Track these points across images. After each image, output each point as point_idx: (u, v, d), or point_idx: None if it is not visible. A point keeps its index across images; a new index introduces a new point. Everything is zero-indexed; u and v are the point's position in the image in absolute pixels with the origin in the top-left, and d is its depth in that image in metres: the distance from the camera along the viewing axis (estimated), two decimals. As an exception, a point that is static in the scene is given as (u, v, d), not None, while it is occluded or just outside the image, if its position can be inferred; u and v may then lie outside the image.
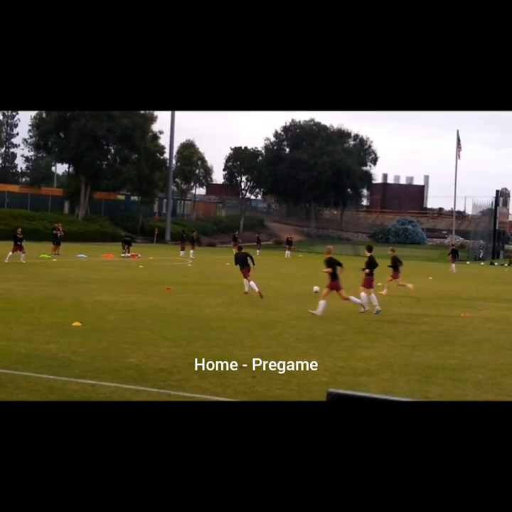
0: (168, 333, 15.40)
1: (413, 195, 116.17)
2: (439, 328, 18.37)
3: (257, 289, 23.49)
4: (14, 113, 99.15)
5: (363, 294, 21.34)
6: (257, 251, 57.93)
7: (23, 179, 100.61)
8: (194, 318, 17.97)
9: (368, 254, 22.58)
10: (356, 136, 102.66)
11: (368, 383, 11.27)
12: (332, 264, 19.87)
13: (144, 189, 74.88)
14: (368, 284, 21.76)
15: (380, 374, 12.15)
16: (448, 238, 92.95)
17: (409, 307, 23.21)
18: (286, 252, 57.71)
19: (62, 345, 13.30)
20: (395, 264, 26.78)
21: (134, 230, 68.75)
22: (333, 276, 19.75)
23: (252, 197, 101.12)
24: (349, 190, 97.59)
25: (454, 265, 48.86)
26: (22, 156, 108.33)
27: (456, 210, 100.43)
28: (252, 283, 24.13)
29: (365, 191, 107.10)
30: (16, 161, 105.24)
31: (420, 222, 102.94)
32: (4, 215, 61.47)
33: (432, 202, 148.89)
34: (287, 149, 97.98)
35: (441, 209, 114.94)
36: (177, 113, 77.57)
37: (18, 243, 34.47)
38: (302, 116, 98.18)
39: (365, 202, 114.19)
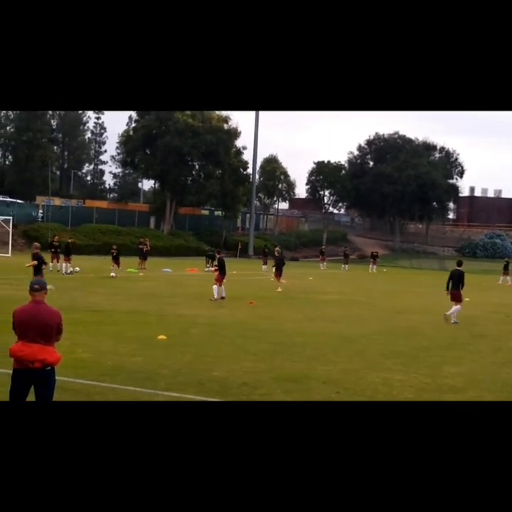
0: (251, 347, 15.43)
1: (502, 208, 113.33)
2: (528, 344, 17.84)
3: (216, 295, 24.78)
4: (102, 131, 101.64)
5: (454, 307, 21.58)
6: (344, 266, 57.51)
7: (111, 195, 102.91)
8: (277, 332, 17.96)
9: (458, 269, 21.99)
10: (442, 148, 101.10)
11: (454, 401, 11.01)
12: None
13: (227, 204, 75.48)
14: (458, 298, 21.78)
15: (466, 391, 11.87)
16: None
17: (498, 323, 22.63)
18: (371, 266, 57.13)
19: (147, 358, 13.49)
20: None
21: (217, 244, 69.26)
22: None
23: (335, 211, 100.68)
24: (435, 203, 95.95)
25: None
26: (110, 172, 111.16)
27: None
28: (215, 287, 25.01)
29: (451, 204, 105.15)
30: (104, 178, 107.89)
31: (509, 235, 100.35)
32: (93, 230, 62.96)
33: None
34: (371, 163, 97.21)
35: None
36: (260, 129, 77.98)
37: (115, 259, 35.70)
38: (386, 129, 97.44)
39: (451, 215, 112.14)
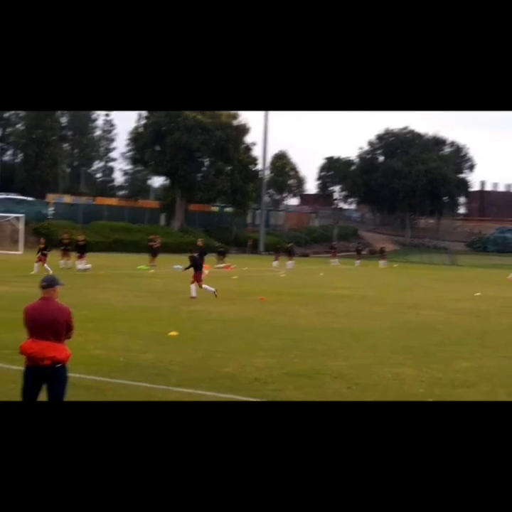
0: (262, 342, 15.43)
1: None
2: (541, 339, 17.76)
3: (194, 293, 23.95)
4: (111, 128, 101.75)
5: None
6: (357, 261, 57.50)
7: (121, 192, 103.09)
8: (288, 328, 17.94)
9: None
10: (452, 143, 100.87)
11: (466, 395, 10.98)
12: None
13: (237, 200, 75.49)
14: None
15: (479, 386, 11.82)
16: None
17: (510, 318, 22.53)
18: (380, 262, 57.04)
19: (159, 354, 13.51)
20: None
21: (227, 241, 69.37)
22: None
23: (346, 206, 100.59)
24: (445, 198, 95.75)
25: None
26: (120, 169, 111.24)
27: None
28: (193, 286, 24.25)
29: (461, 199, 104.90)
30: (114, 175, 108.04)
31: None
32: (103, 228, 63.11)
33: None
34: (381, 158, 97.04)
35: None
36: (270, 125, 77.95)
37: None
38: (396, 124, 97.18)
39: (462, 210, 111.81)
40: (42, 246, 35.13)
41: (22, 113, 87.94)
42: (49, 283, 7.84)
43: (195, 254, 26.44)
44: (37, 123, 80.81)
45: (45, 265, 33.14)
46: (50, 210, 64.41)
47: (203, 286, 24.23)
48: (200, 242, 33.95)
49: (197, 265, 24.78)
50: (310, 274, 41.94)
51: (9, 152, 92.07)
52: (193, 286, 24.22)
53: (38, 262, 33.24)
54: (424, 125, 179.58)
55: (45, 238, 38.36)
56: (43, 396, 7.73)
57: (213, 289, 24.16)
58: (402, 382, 11.91)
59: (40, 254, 34.21)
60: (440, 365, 13.60)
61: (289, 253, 50.50)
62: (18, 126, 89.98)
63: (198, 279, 24.44)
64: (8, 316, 15.93)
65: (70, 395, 7.88)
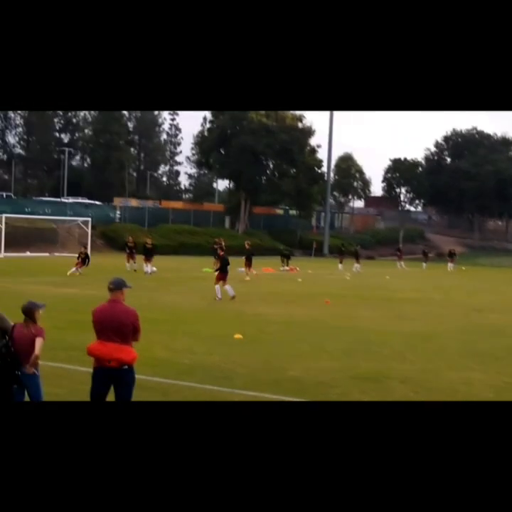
0: (327, 345, 15.34)
1: None
2: None
3: (232, 293, 23.88)
4: (177, 132, 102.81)
5: None
6: (424, 264, 56.85)
7: (186, 196, 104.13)
8: (353, 331, 17.81)
9: None
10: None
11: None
12: None
13: (302, 203, 75.33)
14: None
15: (551, 392, 11.52)
16: None
17: None
18: (449, 264, 56.15)
19: (224, 356, 13.55)
20: None
21: (292, 243, 69.26)
22: None
23: (412, 208, 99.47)
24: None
25: None
26: (185, 173, 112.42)
27: None
28: (227, 287, 24.13)
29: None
30: (179, 178, 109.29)
31: None
32: (168, 231, 63.74)
33: None
34: (448, 159, 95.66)
35: None
36: (334, 127, 77.76)
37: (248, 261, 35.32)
38: (463, 124, 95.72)
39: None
40: (131, 244, 36.53)
41: (90, 118, 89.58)
42: (117, 285, 7.92)
43: (223, 254, 26.11)
44: (104, 128, 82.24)
45: (130, 264, 35.28)
46: (117, 213, 65.42)
47: (226, 286, 24.20)
48: (247, 245, 34.91)
49: (223, 265, 24.77)
50: (375, 277, 41.57)
51: (77, 157, 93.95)
52: (218, 287, 24.16)
53: (129, 262, 34.81)
54: (492, 126, 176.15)
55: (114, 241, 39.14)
56: (110, 397, 7.83)
57: (233, 293, 23.99)
58: (471, 387, 11.70)
59: (129, 252, 36.08)
60: (510, 369, 13.31)
61: (356, 256, 50.11)
62: (86, 131, 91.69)
63: (221, 278, 24.39)
64: (77, 318, 16.21)
65: (136, 396, 7.96)
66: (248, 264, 35.16)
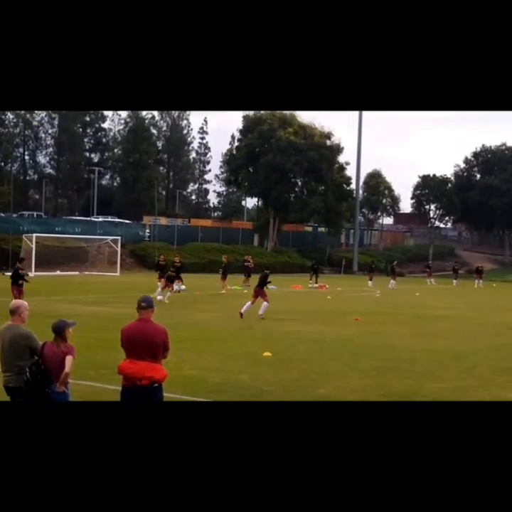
0: (358, 364, 15.22)
1: None
2: None
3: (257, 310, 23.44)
4: (206, 150, 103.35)
5: None
6: (454, 281, 56.42)
7: (215, 214, 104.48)
8: (384, 348, 17.66)
9: None
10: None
11: None
12: None
13: (331, 220, 75.24)
14: None
15: None
16: None
17: None
18: (477, 281, 55.62)
19: (253, 375, 13.49)
20: None
21: (321, 260, 69.09)
22: None
23: (441, 225, 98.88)
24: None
25: None
26: (214, 191, 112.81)
27: None
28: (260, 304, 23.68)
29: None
30: (208, 197, 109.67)
31: None
32: (198, 249, 63.94)
33: None
34: (478, 175, 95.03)
35: None
36: (363, 144, 77.65)
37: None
38: (493, 141, 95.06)
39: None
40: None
41: (119, 137, 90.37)
42: (149, 303, 7.92)
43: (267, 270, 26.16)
44: (134, 147, 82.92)
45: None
46: (147, 232, 65.79)
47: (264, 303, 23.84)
48: (224, 259, 39.07)
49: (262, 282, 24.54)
50: (406, 294, 41.28)
51: (107, 176, 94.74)
52: (251, 304, 23.87)
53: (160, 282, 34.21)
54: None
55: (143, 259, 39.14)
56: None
57: (243, 310, 23.63)
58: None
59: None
60: (544, 388, 13.09)
61: (393, 272, 49.91)
62: (116, 150, 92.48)
63: (263, 295, 24.06)
64: (106, 337, 16.25)
65: (167, 415, 7.92)
66: (223, 277, 36.80)
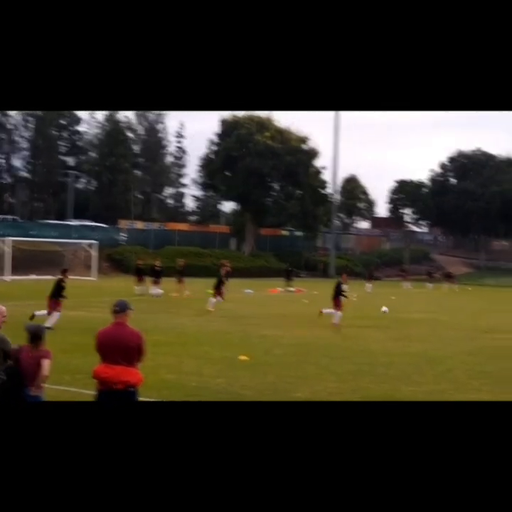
0: (335, 367, 15.25)
1: None
2: None
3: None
4: (182, 154, 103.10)
5: None
6: (429, 285, 56.73)
7: (192, 217, 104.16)
8: (360, 352, 17.71)
9: None
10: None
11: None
12: None
13: (307, 224, 75.34)
14: None
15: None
16: None
17: None
18: (447, 285, 56.15)
19: (230, 379, 13.48)
20: None
21: (298, 264, 69.15)
22: None
23: (417, 229, 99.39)
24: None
25: None
26: (191, 195, 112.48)
27: None
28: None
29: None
30: (185, 201, 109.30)
31: None
32: (174, 252, 63.65)
33: None
34: (453, 180, 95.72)
35: None
36: (340, 148, 77.71)
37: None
38: (468, 146, 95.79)
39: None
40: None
41: (96, 141, 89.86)
42: (122, 308, 7.89)
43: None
44: (110, 151, 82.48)
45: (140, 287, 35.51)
46: (123, 235, 65.48)
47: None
48: (180, 262, 39.33)
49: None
50: (381, 298, 41.43)
51: (83, 180, 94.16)
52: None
53: (138, 285, 35.27)
54: (497, 147, 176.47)
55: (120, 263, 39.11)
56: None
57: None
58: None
59: (138, 274, 36.30)
60: (519, 391, 13.19)
61: (370, 276, 51.03)
62: (92, 154, 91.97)
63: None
64: (82, 341, 16.14)
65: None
66: (179, 281, 37.09)
